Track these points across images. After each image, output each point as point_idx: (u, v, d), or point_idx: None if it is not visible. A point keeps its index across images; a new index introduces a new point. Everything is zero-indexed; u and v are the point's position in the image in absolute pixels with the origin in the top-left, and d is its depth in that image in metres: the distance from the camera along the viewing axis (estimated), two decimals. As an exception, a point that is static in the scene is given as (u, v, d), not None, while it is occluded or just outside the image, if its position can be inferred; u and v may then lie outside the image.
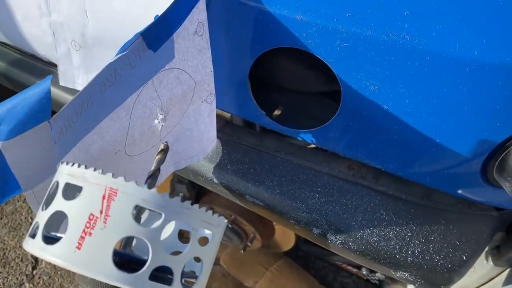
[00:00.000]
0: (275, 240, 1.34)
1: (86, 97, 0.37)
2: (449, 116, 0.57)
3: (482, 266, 0.88)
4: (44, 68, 0.79)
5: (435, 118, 0.58)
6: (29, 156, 0.36)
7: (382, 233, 0.67)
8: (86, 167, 0.31)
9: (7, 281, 1.48)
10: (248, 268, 1.47)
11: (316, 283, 1.47)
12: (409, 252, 0.68)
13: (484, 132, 0.58)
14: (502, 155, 0.59)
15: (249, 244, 1.25)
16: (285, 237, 1.30)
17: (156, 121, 0.57)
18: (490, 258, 0.84)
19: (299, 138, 0.67)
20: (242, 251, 1.28)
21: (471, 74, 0.52)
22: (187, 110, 0.61)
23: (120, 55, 0.37)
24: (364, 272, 1.52)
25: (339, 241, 0.67)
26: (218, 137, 0.72)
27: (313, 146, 0.80)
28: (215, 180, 0.72)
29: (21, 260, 1.54)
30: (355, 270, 1.55)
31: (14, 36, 0.77)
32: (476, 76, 0.52)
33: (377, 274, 1.50)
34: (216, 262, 1.48)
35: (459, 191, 0.69)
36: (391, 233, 0.67)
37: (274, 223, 1.25)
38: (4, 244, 1.60)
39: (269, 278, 1.46)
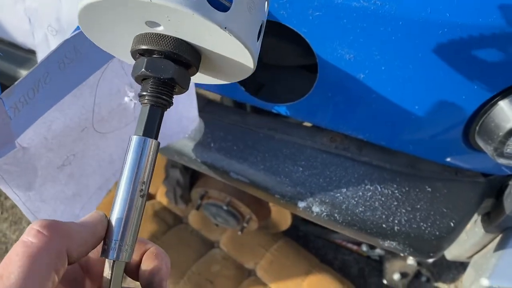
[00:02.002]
0: (272, 220, 1.35)
1: (43, 74, 0.37)
2: (426, 82, 0.57)
3: (474, 234, 0.88)
4: (24, 56, 0.79)
5: (412, 85, 0.58)
6: None
7: (368, 203, 0.67)
8: None
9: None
10: (248, 250, 1.48)
11: (317, 261, 1.48)
12: (396, 221, 0.68)
13: (462, 96, 0.58)
14: (482, 119, 0.59)
15: (245, 225, 1.26)
16: (281, 216, 1.30)
17: (126, 99, 0.57)
18: (481, 225, 0.84)
19: (280, 113, 0.67)
20: (240, 232, 1.29)
21: (444, 37, 0.52)
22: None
23: (78, 31, 0.37)
24: (364, 249, 1.52)
25: (324, 213, 0.67)
26: (200, 116, 0.72)
27: (295, 121, 0.80)
28: (199, 159, 0.72)
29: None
30: (355, 247, 1.55)
31: (-8, 26, 0.77)
32: (449, 38, 0.52)
33: (377, 250, 1.51)
34: (217, 245, 1.49)
35: (444, 158, 0.69)
36: (376, 203, 0.68)
37: (269, 203, 1.26)
38: (5, 238, 1.62)
39: (270, 259, 1.46)
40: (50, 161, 0.49)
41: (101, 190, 0.64)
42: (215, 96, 0.78)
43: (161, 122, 0.31)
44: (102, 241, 0.29)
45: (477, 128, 0.60)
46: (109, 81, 0.48)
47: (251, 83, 0.69)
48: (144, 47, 0.30)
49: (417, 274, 1.48)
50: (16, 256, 0.24)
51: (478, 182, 0.73)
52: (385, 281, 1.46)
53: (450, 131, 0.63)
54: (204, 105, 0.75)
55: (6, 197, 1.74)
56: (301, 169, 0.68)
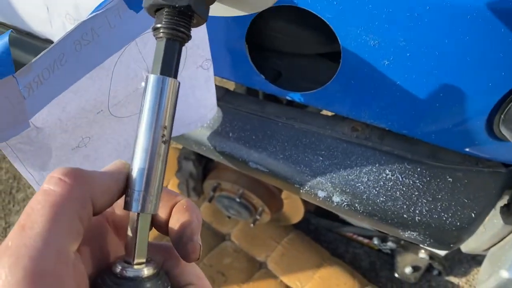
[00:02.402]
0: (284, 213, 1.34)
1: (58, 55, 0.36)
2: (451, 68, 0.56)
3: (492, 225, 0.87)
4: (42, 46, 0.78)
5: (437, 72, 0.57)
6: None
7: (389, 193, 0.66)
8: None
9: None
10: (259, 242, 1.48)
11: (328, 254, 1.48)
12: (417, 211, 0.67)
13: (488, 83, 0.57)
14: (508, 107, 0.58)
15: (258, 217, 1.25)
16: (294, 209, 1.30)
17: (143, 84, 0.56)
18: (500, 217, 0.84)
19: (300, 101, 0.66)
20: (252, 224, 1.29)
21: (472, 21, 0.51)
22: (181, 75, 0.60)
23: (96, 13, 0.37)
24: (375, 242, 1.51)
25: (345, 203, 0.66)
26: (218, 105, 0.71)
27: (315, 110, 0.79)
28: (218, 149, 0.72)
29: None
30: (366, 240, 1.55)
31: (9, 15, 0.77)
32: (477, 23, 0.51)
33: (389, 244, 1.50)
34: (228, 238, 1.49)
35: (466, 148, 0.68)
36: (397, 192, 0.67)
37: (282, 196, 1.25)
38: (18, 230, 1.63)
39: (281, 251, 1.46)
40: (65, 143, 0.49)
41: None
42: (233, 86, 0.78)
43: (180, 58, 0.28)
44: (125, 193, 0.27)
45: (502, 116, 0.59)
46: (126, 65, 0.47)
47: (269, 72, 0.68)
48: None
49: (429, 268, 1.48)
50: (38, 205, 0.23)
51: (499, 173, 0.72)
52: (396, 275, 1.46)
53: (473, 120, 0.62)
54: (223, 94, 0.74)
55: (18, 190, 1.74)
56: (321, 158, 0.67)
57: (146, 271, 0.25)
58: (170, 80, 0.26)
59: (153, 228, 0.30)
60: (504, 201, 0.81)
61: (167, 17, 0.27)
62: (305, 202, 1.25)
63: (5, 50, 0.34)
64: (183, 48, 0.30)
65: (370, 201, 0.66)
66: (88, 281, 0.25)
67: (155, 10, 0.28)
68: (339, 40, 0.56)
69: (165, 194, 0.29)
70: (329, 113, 0.71)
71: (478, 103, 0.60)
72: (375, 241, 1.50)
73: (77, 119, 0.46)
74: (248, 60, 0.64)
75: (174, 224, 0.29)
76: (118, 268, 0.25)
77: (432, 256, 1.42)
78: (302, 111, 0.71)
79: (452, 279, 1.53)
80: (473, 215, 0.70)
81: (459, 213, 0.69)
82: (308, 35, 0.65)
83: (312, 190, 0.67)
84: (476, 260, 1.55)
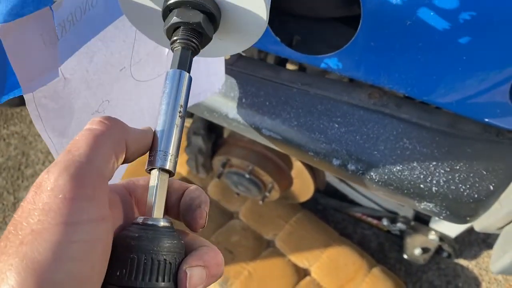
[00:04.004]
0: (293, 191, 1.33)
1: None
2: (476, 30, 0.53)
3: (509, 202, 0.85)
4: None
5: (461, 33, 0.54)
6: (29, 48, 0.33)
7: (406, 162, 0.65)
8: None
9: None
10: (267, 221, 1.47)
11: (336, 234, 1.47)
12: (434, 182, 0.65)
13: (516, 45, 0.54)
14: (535, 71, 0.56)
15: (267, 194, 1.24)
16: (303, 187, 1.28)
17: (166, 51, 0.55)
18: (518, 193, 0.81)
19: (316, 65, 0.64)
20: (261, 201, 1.27)
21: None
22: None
23: None
24: (385, 223, 1.50)
25: (360, 172, 0.64)
26: (231, 70, 0.69)
27: (331, 76, 0.77)
28: (230, 115, 0.70)
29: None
30: (375, 221, 1.53)
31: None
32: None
33: (398, 225, 1.48)
34: (236, 216, 1.48)
35: (487, 118, 0.66)
36: (415, 162, 0.65)
37: (292, 173, 1.24)
38: (26, 205, 1.63)
39: (289, 230, 1.45)
40: (86, 103, 0.47)
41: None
42: (246, 52, 0.76)
43: (191, 63, 0.34)
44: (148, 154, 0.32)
45: (528, 82, 0.57)
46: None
47: (285, 35, 0.66)
48: (173, 0, 0.34)
49: (438, 250, 1.46)
50: (83, 136, 0.27)
51: (520, 145, 0.70)
52: (405, 256, 1.45)
53: (497, 87, 0.59)
54: (236, 60, 0.72)
55: (26, 166, 1.74)
56: (336, 125, 0.65)
57: (164, 223, 0.29)
58: (185, 73, 0.33)
59: (166, 212, 0.33)
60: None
61: (182, 31, 0.35)
62: (315, 180, 1.23)
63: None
64: None
65: (386, 170, 0.64)
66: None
67: (173, 30, 0.35)
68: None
69: (177, 183, 0.34)
70: (346, 80, 0.69)
71: (503, 69, 0.57)
72: (385, 222, 1.49)
73: (101, 74, 0.45)
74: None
75: (185, 199, 0.33)
76: (140, 220, 0.29)
77: (442, 238, 1.41)
78: (318, 77, 0.69)
79: (462, 261, 1.52)
80: (491, 187, 0.68)
81: (477, 185, 0.67)
82: (326, -4, 0.62)
83: (327, 158, 0.65)
84: (486, 243, 1.53)
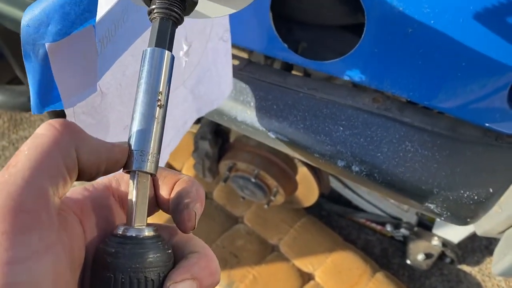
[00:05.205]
0: (298, 195, 1.35)
1: (122, 9, 0.36)
2: (475, 37, 0.56)
3: (509, 206, 0.87)
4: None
5: (461, 40, 0.57)
6: (73, 64, 0.34)
7: (408, 164, 0.67)
8: None
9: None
10: (272, 226, 1.49)
11: (340, 240, 1.48)
12: (435, 184, 0.68)
13: (513, 52, 0.57)
14: (532, 77, 0.58)
15: (272, 198, 1.26)
16: (308, 191, 1.31)
17: (181, 53, 0.57)
18: (518, 196, 0.83)
19: (321, 71, 0.67)
20: (266, 205, 1.30)
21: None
22: (206, 47, 0.60)
23: None
24: (388, 229, 1.51)
25: (364, 173, 0.67)
26: (240, 75, 0.72)
27: (336, 82, 0.79)
28: (239, 118, 0.73)
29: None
30: (379, 227, 1.55)
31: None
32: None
33: (402, 230, 1.50)
34: (241, 221, 1.51)
35: (486, 123, 0.68)
36: (416, 164, 0.67)
37: (297, 178, 1.26)
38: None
39: (293, 235, 1.47)
40: (119, 118, 0.48)
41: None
42: (254, 58, 0.79)
43: (174, 36, 0.29)
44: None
45: (525, 88, 0.60)
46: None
47: (292, 42, 0.69)
48: None
49: (441, 256, 1.48)
50: (25, 146, 0.23)
51: (519, 149, 0.72)
52: (408, 261, 1.46)
53: (496, 92, 0.62)
54: (245, 65, 0.75)
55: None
56: (341, 128, 0.68)
57: (147, 232, 0.26)
58: (164, 52, 0.28)
59: (157, 207, 0.30)
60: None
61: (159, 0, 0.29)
62: (319, 185, 1.26)
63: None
64: (209, 20, 0.30)
65: (389, 171, 0.67)
66: (91, 247, 0.26)
67: None
68: (363, 5, 0.57)
69: (168, 173, 0.30)
70: (350, 85, 0.72)
71: (502, 75, 0.60)
72: (388, 227, 1.50)
73: (132, 88, 0.45)
74: (272, 29, 0.65)
75: (173, 195, 0.29)
76: (120, 230, 0.26)
77: (445, 244, 1.42)
78: (324, 82, 0.72)
79: (465, 267, 1.53)
80: (491, 190, 0.70)
81: (477, 187, 0.70)
82: (331, 4, 0.65)
83: (332, 160, 0.68)
84: (489, 249, 1.55)
